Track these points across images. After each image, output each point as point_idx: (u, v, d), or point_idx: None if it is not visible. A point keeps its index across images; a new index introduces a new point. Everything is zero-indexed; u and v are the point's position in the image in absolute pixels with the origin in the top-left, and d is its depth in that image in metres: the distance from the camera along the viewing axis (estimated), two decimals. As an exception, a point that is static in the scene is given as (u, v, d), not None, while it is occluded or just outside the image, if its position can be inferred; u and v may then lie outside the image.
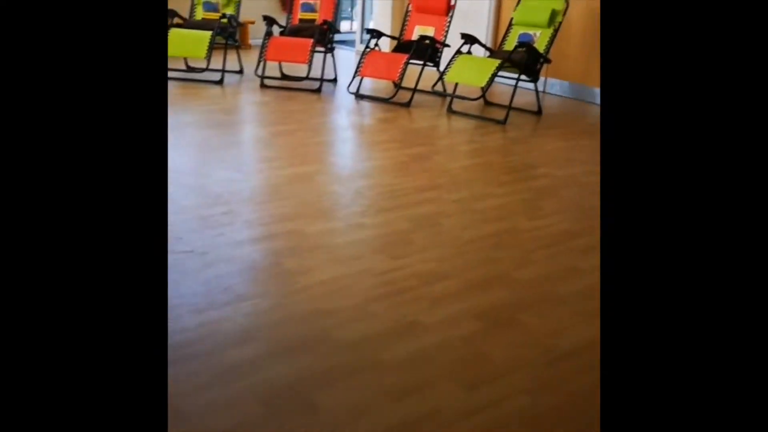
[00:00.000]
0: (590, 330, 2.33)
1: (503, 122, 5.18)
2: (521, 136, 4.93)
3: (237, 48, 6.42)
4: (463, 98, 5.42)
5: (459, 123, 5.22)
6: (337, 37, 9.12)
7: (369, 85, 6.20)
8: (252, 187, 3.55)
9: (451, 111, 5.49)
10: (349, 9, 9.68)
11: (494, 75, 5.10)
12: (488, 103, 5.79)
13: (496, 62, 5.16)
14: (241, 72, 6.48)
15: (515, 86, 5.25)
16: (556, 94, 6.44)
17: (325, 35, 5.92)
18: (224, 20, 6.00)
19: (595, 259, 2.90)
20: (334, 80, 6.37)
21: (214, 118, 4.93)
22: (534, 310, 2.44)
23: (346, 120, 5.12)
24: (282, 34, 6.15)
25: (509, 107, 5.24)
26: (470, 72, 5.23)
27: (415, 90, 5.62)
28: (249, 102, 5.51)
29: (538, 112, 5.57)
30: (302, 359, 2.09)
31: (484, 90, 5.16)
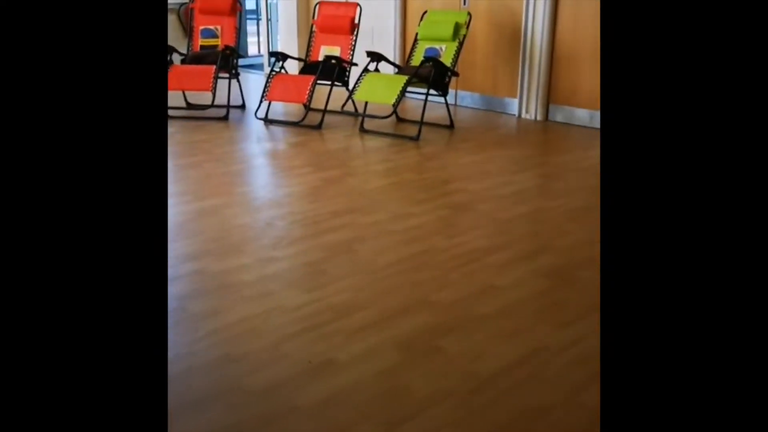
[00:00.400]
0: (510, 350, 2.26)
1: (416, 138, 5.14)
2: (435, 151, 4.90)
3: (137, 79, 6.16)
4: (374, 117, 5.35)
5: (372, 142, 5.15)
6: (245, 61, 8.95)
7: (279, 109, 6.06)
8: (154, 226, 3.34)
9: (363, 130, 5.41)
10: (257, 32, 9.51)
11: (403, 91, 5.05)
12: (401, 120, 5.75)
13: (404, 78, 5.12)
14: (143, 103, 6.21)
15: (425, 101, 5.22)
16: (467, 107, 6.47)
17: (228, 60, 5.75)
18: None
19: (511, 275, 2.84)
20: (242, 106, 6.19)
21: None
22: (454, 335, 2.35)
23: (255, 147, 4.97)
24: (183, 62, 5.94)
25: (421, 123, 5.21)
26: (379, 90, 5.17)
27: (325, 111, 5.52)
28: (152, 134, 5.27)
29: (451, 126, 5.56)
30: (211, 413, 1.92)
31: (394, 107, 5.10)
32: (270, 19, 8.62)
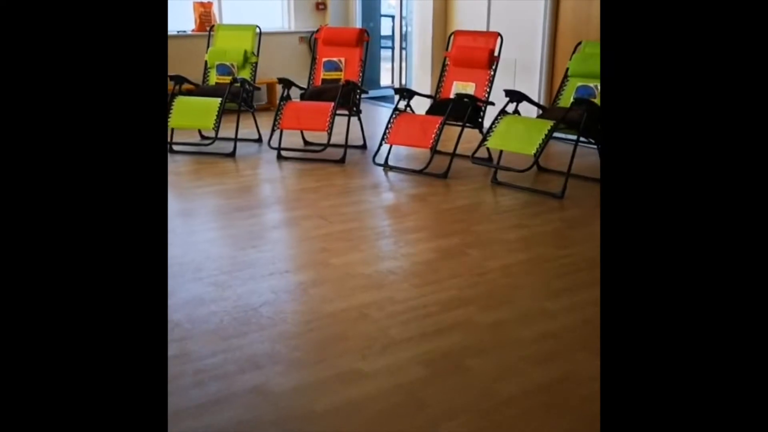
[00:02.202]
0: None
1: (560, 196, 4.25)
2: (582, 215, 3.98)
3: (253, 113, 5.72)
4: (509, 169, 4.50)
5: (505, 199, 4.31)
6: (376, 92, 8.41)
7: (402, 152, 5.38)
8: (222, 311, 2.73)
9: (495, 182, 4.59)
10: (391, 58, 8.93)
11: (546, 140, 4.19)
12: (542, 169, 4.87)
13: (548, 124, 4.25)
14: (259, 140, 5.77)
15: (574, 150, 4.32)
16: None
17: (348, 97, 5.16)
18: (236, 84, 5.32)
19: None
20: (363, 146, 5.58)
21: (208, 204, 4.18)
22: None
23: (368, 200, 4.29)
24: (302, 96, 5.43)
25: (567, 176, 4.30)
26: (517, 137, 4.33)
27: (453, 157, 4.76)
28: (258, 180, 4.76)
29: (603, 181, 4.61)
30: None
31: (536, 158, 4.24)
32: (404, 48, 8.02)
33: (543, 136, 4.19)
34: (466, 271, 3.13)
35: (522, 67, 5.99)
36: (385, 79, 8.83)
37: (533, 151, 4.20)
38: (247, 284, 2.98)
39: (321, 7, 7.75)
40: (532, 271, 3.15)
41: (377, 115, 7.27)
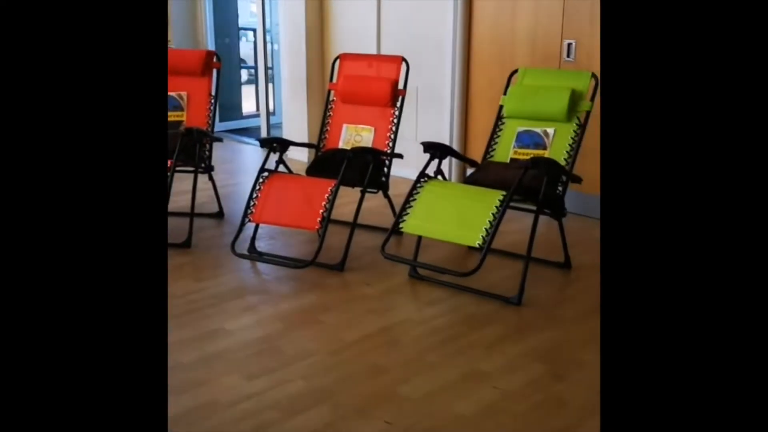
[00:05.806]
0: None
1: (515, 302, 2.86)
2: (552, 341, 2.60)
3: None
4: (442, 270, 3.03)
5: (434, 310, 2.85)
6: (237, 123, 6.78)
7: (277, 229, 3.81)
8: None
9: (416, 276, 3.14)
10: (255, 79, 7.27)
11: (497, 222, 2.79)
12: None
13: (496, 196, 2.84)
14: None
15: (533, 228, 2.92)
16: (588, 215, 4.16)
17: (192, 150, 3.53)
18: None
19: None
20: (219, 214, 3.96)
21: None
22: None
23: (222, 329, 2.69)
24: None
25: (525, 268, 2.90)
26: (449, 216, 2.90)
27: (351, 233, 3.26)
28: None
29: (566, 265, 3.27)
30: None
31: (483, 251, 2.80)
32: (271, 69, 6.43)
33: (490, 217, 2.78)
34: None
35: (427, 98, 4.60)
36: (248, 106, 7.17)
37: (477, 241, 2.78)
38: None
39: (159, 17, 6.01)
40: None
41: (240, 157, 5.65)
